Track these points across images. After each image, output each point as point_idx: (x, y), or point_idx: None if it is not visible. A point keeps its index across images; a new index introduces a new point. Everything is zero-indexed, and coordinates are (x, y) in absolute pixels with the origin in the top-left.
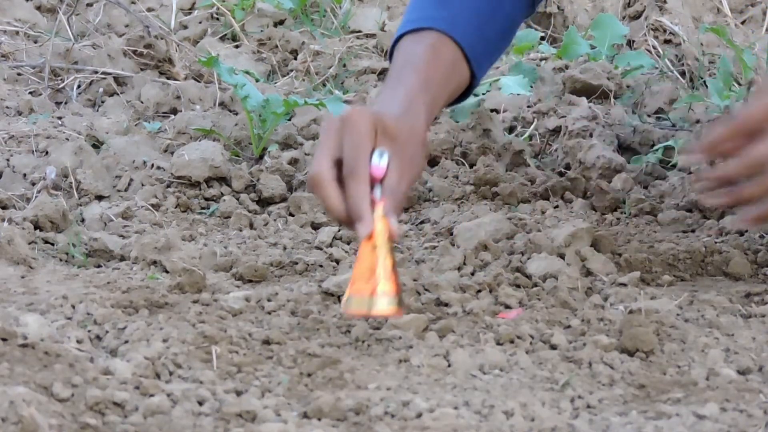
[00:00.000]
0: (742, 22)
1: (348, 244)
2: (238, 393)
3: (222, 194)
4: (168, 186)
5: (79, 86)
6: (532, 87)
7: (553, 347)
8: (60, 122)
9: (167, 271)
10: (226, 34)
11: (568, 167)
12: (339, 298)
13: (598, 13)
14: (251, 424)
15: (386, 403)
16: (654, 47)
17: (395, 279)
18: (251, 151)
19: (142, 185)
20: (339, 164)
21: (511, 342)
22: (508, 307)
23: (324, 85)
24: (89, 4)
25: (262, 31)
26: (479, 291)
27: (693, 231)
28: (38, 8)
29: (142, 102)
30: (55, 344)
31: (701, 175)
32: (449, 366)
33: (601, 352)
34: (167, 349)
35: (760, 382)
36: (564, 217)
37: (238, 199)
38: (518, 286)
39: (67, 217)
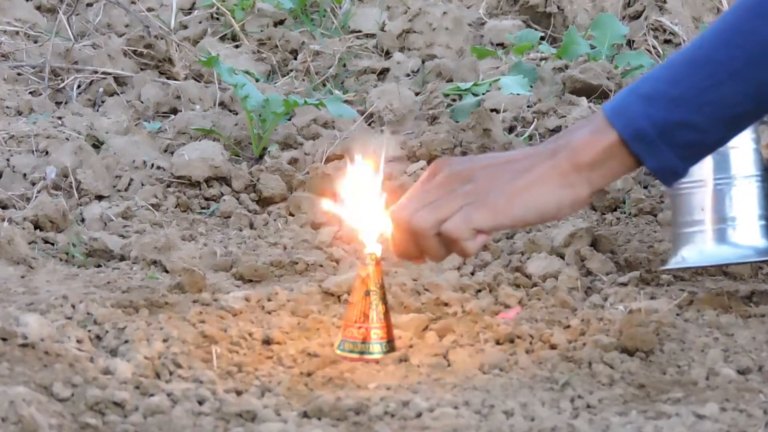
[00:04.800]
0: None
1: (348, 244)
2: (238, 393)
3: (222, 194)
4: (168, 186)
5: (79, 86)
6: (532, 87)
7: (553, 347)
8: (60, 122)
9: (167, 271)
10: (226, 34)
11: None
12: (339, 298)
13: (598, 13)
14: (251, 424)
15: (386, 403)
16: (654, 47)
17: (387, 325)
18: (251, 151)
19: (142, 185)
20: None
21: (511, 342)
22: (507, 306)
23: (324, 85)
24: (89, 4)
25: (262, 31)
26: (479, 291)
27: None
28: (38, 8)
29: (142, 102)
30: (55, 344)
31: None
32: (449, 366)
33: (601, 352)
34: (167, 349)
35: (760, 382)
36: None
37: (238, 199)
38: (518, 285)
39: (67, 217)
